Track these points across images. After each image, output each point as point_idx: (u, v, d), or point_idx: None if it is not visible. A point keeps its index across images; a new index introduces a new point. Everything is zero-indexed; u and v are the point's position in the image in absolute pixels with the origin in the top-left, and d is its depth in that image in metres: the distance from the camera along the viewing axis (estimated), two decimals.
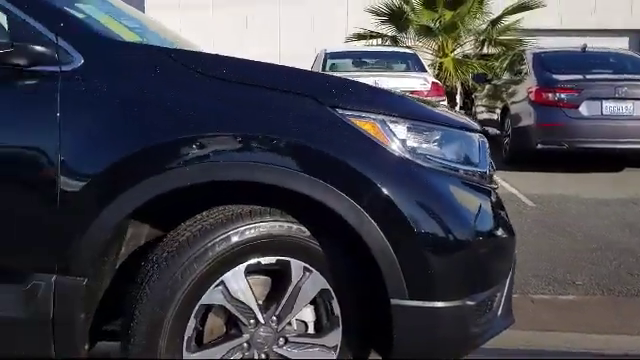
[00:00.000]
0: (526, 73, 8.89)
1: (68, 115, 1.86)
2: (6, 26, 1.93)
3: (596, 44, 10.27)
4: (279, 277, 2.01)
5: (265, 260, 1.95)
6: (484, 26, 15.29)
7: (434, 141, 2.04)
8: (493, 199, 2.20)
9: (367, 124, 1.94)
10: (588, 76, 8.20)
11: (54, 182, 1.84)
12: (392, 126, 1.96)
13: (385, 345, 2.03)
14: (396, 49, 11.98)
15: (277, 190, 1.89)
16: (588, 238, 4.90)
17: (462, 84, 15.29)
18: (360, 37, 15.51)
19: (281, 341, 1.99)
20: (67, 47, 1.92)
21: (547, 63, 8.62)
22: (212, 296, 1.90)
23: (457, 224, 1.96)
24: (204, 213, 1.96)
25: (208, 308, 1.95)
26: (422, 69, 9.46)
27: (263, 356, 1.97)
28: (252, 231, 1.90)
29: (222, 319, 1.99)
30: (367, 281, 2.00)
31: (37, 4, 1.96)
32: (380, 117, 1.95)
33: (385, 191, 1.87)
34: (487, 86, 10.93)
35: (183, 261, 1.85)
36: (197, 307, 1.89)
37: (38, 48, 1.89)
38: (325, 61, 9.19)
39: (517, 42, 14.59)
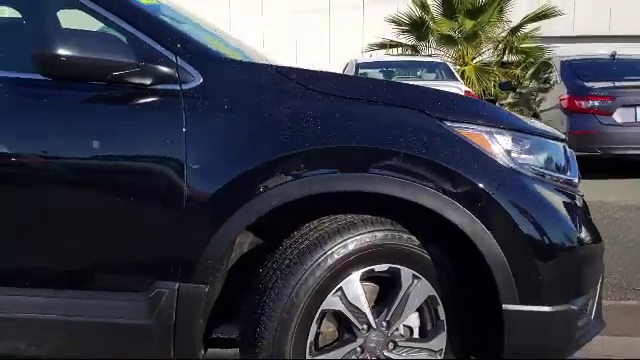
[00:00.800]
0: (555, 81, 8.95)
1: (192, 130, 1.95)
2: (129, 47, 2.01)
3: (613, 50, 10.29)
4: (386, 284, 2.09)
5: (378, 267, 2.03)
6: (504, 34, 15.39)
7: (532, 151, 2.12)
8: (583, 206, 2.28)
9: (475, 135, 2.02)
10: (620, 83, 8.25)
11: (181, 194, 1.93)
12: (498, 137, 2.04)
13: (485, 347, 2.11)
14: (425, 58, 12.07)
15: (389, 200, 1.97)
16: (636, 244, 4.94)
17: (484, 92, 15.37)
18: (381, 46, 15.66)
19: (390, 345, 2.07)
20: (186, 66, 2.01)
21: (577, 71, 8.68)
22: (331, 302, 1.98)
23: (561, 231, 2.04)
24: (315, 222, 2.04)
25: (323, 313, 2.02)
26: (453, 78, 9.54)
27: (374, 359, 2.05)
28: (367, 239, 1.98)
29: (334, 324, 2.07)
30: (471, 287, 2.08)
31: (158, 28, 2.07)
32: (487, 129, 2.04)
33: (498, 200, 1.95)
34: (511, 94, 10.99)
35: (306, 268, 1.93)
36: (319, 312, 1.97)
37: (162, 68, 1.99)
38: (356, 71, 9.30)
39: (538, 50, 14.67)
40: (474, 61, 15.29)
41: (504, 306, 1.97)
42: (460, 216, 1.93)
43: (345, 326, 2.05)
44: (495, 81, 14.04)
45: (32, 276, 2.02)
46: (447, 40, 15.15)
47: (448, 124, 2.02)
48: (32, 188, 2.00)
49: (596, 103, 7.93)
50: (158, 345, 2.02)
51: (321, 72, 2.16)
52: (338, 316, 2.05)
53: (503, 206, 1.96)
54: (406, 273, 2.04)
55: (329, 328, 2.06)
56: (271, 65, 2.24)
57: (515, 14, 15.45)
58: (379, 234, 2.00)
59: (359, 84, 2.13)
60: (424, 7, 15.30)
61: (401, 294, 2.05)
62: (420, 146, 1.96)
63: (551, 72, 9.41)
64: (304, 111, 2.00)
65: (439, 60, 11.10)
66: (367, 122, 2.00)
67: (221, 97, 2.00)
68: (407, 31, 15.59)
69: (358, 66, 9.48)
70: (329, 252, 1.95)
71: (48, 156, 1.99)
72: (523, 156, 2.09)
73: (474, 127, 2.03)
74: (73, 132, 2.00)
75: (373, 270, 2.02)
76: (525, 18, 15.21)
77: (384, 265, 2.03)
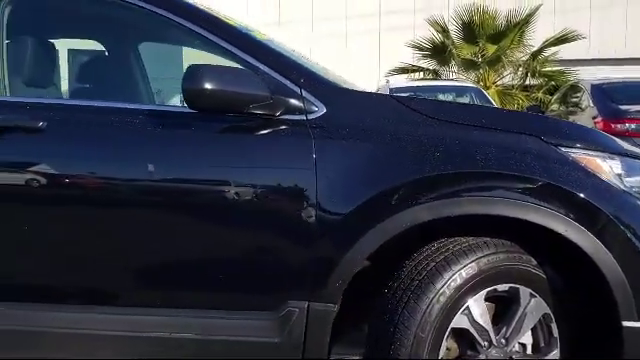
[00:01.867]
0: (587, 105, 9.06)
1: (321, 157, 2.08)
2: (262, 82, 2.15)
3: (630, 74, 10.43)
4: (501, 302, 2.19)
5: (500, 287, 2.12)
6: (524, 58, 15.55)
7: (636, 173, 2.23)
8: None
9: (589, 160, 2.13)
10: None
11: (313, 217, 2.05)
12: (610, 162, 2.15)
13: None
14: (458, 82, 12.19)
15: (507, 222, 2.07)
16: None
17: None
18: (402, 71, 15.85)
19: None
20: (311, 98, 2.15)
21: (609, 94, 8.80)
22: (460, 320, 2.08)
23: None
24: (435, 244, 2.14)
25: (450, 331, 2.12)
26: (487, 101, 9.67)
27: None
28: (492, 261, 2.08)
29: (454, 341, 2.16)
30: (584, 304, 2.17)
31: (283, 63, 2.23)
32: (600, 154, 2.15)
33: (616, 221, 2.05)
34: None
35: (437, 288, 2.03)
36: (449, 330, 2.07)
37: (290, 100, 2.12)
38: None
39: (560, 74, 14.80)
40: (495, 85, 15.44)
41: (624, 323, 2.06)
42: (583, 237, 2.03)
43: (466, 343, 2.14)
44: (518, 104, 14.15)
45: (172, 297, 2.14)
46: (469, 64, 15.32)
47: (563, 149, 2.13)
48: (180, 215, 2.14)
49: (632, 126, 8.02)
50: None
51: (439, 101, 2.29)
52: (459, 333, 2.14)
53: (620, 226, 2.06)
54: (524, 292, 2.14)
55: (452, 345, 2.15)
56: (387, 95, 2.36)
57: (534, 38, 15.61)
58: (502, 255, 2.10)
59: (477, 112, 2.25)
60: (445, 32, 15.50)
61: (520, 312, 2.15)
62: (541, 170, 2.07)
63: (580, 96, 9.51)
64: (426, 138, 2.11)
65: (471, 84, 11.23)
66: (488, 148, 2.11)
67: (345, 125, 2.13)
68: (428, 55, 15.77)
69: (392, 90, 9.63)
70: (457, 273, 2.05)
71: (193, 183, 2.12)
72: (629, 179, 2.20)
73: (588, 152, 2.14)
74: (217, 160, 2.13)
75: (496, 290, 2.12)
76: (546, 42, 15.35)
77: (505, 285, 2.13)
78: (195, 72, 2.03)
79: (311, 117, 2.14)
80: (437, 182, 2.06)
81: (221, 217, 2.12)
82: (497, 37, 15.04)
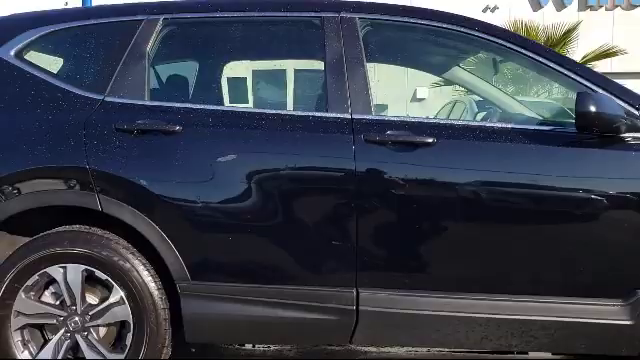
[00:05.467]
0: None
1: None
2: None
3: None
4: None
5: None
6: None
7: None
8: None
9: None
10: None
11: None
12: None
13: None
14: None
15: None
16: None
17: None
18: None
19: None
20: None
21: None
22: None
23: None
24: None
25: None
26: None
27: None
28: None
29: None
30: None
31: (621, 89, 2.71)
32: None
33: None
34: None
35: None
36: None
37: (635, 121, 2.60)
38: None
39: None
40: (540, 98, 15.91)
41: None
42: None
43: None
44: None
45: (544, 286, 2.62)
46: None
47: None
48: (565, 219, 2.62)
49: None
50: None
51: None
52: None
53: None
54: None
55: None
56: None
57: (574, 54, 16.10)
58: None
59: None
60: None
61: None
62: None
63: None
64: None
65: None
66: None
67: None
68: None
69: None
70: None
71: (577, 192, 2.59)
72: None
73: None
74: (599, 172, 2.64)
75: None
76: (586, 57, 15.84)
77: None
78: (586, 98, 2.46)
79: None
80: None
81: (594, 222, 2.59)
82: None
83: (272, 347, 3.59)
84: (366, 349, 3.54)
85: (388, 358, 3.49)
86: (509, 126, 2.68)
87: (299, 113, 2.76)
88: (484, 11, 19.26)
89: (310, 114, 2.73)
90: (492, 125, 2.69)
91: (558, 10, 19.49)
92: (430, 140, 2.59)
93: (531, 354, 3.43)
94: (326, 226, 2.66)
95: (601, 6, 19.35)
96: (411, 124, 2.68)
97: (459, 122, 2.77)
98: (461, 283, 2.63)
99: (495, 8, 19.55)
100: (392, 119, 2.71)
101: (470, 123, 2.77)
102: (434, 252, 2.64)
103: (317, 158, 2.66)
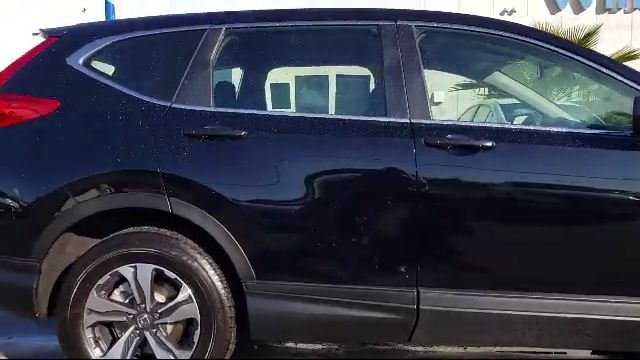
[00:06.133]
0: None
1: None
2: None
3: None
4: None
5: None
6: None
7: None
8: None
9: None
10: None
11: None
12: None
13: None
14: None
15: None
16: None
17: None
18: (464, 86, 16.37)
19: None
20: None
21: None
22: None
23: None
24: None
25: None
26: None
27: None
28: None
29: None
30: None
31: None
32: None
33: None
34: None
35: None
36: None
37: None
38: None
39: None
40: (559, 101, 15.95)
41: None
42: None
43: None
44: None
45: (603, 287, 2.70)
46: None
47: None
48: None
49: None
50: None
51: None
52: None
53: None
54: None
55: None
56: None
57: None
58: None
59: None
60: None
61: None
62: None
63: None
64: None
65: None
66: None
67: None
68: None
69: None
70: None
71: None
72: None
73: None
74: None
75: None
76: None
77: None
78: None
79: None
80: None
81: None
82: None
83: (321, 346, 3.69)
84: (413, 348, 3.64)
85: (435, 357, 3.57)
86: (564, 130, 2.77)
87: (358, 118, 2.85)
88: (502, 14, 19.32)
89: (369, 118, 2.84)
90: (548, 129, 2.77)
91: (576, 13, 19.51)
92: (489, 144, 2.68)
93: (569, 353, 3.52)
94: (388, 227, 2.76)
95: (619, 9, 19.36)
96: (470, 128, 2.78)
97: (516, 127, 2.84)
98: (519, 283, 2.71)
99: (512, 11, 19.60)
100: (451, 123, 2.80)
101: (526, 127, 2.83)
102: (492, 253, 2.72)
103: (378, 161, 2.76)
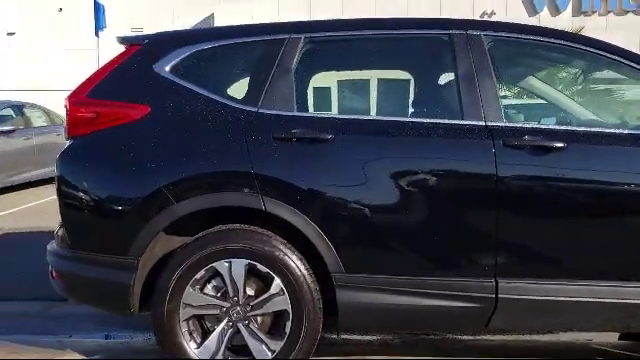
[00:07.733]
0: None
1: None
2: None
3: None
4: None
5: None
6: (570, 77, 16.54)
7: None
8: None
9: None
10: None
11: None
12: None
13: None
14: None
15: None
16: None
17: None
18: None
19: None
20: None
21: None
22: None
23: None
24: None
25: None
26: None
27: None
28: None
29: None
30: None
31: None
32: None
33: None
34: None
35: None
36: None
37: None
38: None
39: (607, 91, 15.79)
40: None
41: None
42: None
43: None
44: None
45: None
46: None
47: None
48: None
49: None
50: None
51: None
52: None
53: None
54: None
55: None
56: None
57: None
58: None
59: None
60: None
61: None
62: None
63: None
64: None
65: None
66: None
67: None
68: None
69: None
70: None
71: None
72: None
73: None
74: None
75: None
76: None
77: None
78: None
79: None
80: None
81: None
82: None
83: (378, 337, 3.88)
84: (467, 337, 3.85)
85: (489, 346, 3.80)
86: (625, 132, 3.03)
87: (438, 121, 3.05)
88: (481, 16, 19.75)
89: (448, 122, 3.04)
90: (612, 131, 3.04)
91: (553, 15, 20.04)
92: (561, 145, 2.92)
93: (596, 338, 3.77)
94: (468, 223, 2.97)
95: (594, 11, 19.93)
96: (544, 130, 3.01)
97: (582, 129, 3.07)
98: (591, 273, 2.95)
99: (492, 13, 20.07)
100: (525, 126, 3.02)
101: (592, 129, 3.06)
102: (565, 245, 2.95)
103: (459, 161, 2.97)
